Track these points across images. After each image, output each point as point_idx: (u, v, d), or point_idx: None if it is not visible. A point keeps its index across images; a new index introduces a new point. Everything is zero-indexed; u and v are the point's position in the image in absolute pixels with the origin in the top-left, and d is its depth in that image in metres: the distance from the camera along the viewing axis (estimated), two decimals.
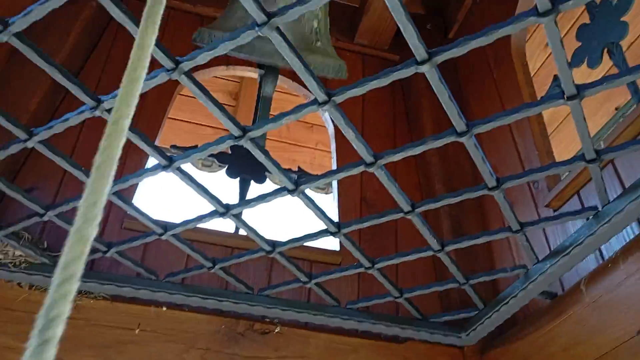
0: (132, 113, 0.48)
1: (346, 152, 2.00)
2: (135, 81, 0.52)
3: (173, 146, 2.32)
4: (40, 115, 1.70)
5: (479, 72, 2.22)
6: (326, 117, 2.49)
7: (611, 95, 3.02)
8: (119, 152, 0.42)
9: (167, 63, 0.80)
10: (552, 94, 0.85)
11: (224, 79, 3.51)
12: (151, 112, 2.03)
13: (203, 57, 0.79)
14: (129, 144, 0.79)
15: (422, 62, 0.76)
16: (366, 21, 2.58)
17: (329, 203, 2.46)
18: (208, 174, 2.55)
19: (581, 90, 0.82)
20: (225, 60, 2.35)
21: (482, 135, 1.88)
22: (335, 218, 2.06)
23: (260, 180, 2.11)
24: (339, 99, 0.86)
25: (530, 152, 1.71)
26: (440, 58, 0.75)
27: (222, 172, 2.18)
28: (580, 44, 1.43)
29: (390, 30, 2.60)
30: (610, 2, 1.31)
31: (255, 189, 2.14)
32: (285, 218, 3.30)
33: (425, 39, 1.98)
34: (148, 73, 0.85)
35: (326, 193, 3.58)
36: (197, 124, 3.46)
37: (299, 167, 2.25)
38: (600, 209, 1.07)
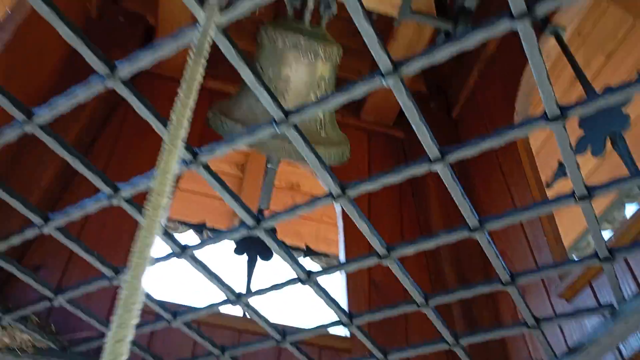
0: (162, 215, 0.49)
1: (354, 233, 2.01)
2: (165, 182, 0.54)
3: (182, 222, 2.34)
4: (52, 194, 1.71)
5: (484, 154, 2.26)
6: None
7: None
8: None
9: (186, 155, 0.81)
10: (563, 196, 0.86)
11: None
12: None
13: (221, 151, 0.81)
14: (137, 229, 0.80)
15: (435, 161, 0.77)
16: (371, 100, 2.65)
17: (337, 279, 2.44)
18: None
19: (592, 191, 0.82)
20: None
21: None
22: (344, 297, 2.04)
23: (268, 257, 2.10)
24: (352, 193, 0.87)
25: (539, 236, 1.70)
26: (452, 157, 0.77)
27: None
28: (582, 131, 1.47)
29: (394, 107, 2.67)
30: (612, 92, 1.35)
31: (261, 265, 2.13)
32: (294, 296, 3.27)
33: (428, 117, 2.01)
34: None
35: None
36: (206, 195, 3.48)
37: (306, 246, 2.25)
38: (616, 306, 1.05)
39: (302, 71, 1.44)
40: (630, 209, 3.46)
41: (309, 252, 2.24)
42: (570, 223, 3.53)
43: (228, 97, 1.80)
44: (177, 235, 2.94)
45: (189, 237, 2.75)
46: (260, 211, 1.78)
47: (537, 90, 1.95)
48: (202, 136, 2.08)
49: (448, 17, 1.53)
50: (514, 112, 2.16)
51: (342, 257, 2.08)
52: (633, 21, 2.62)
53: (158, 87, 2.19)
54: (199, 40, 0.55)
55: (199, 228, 2.08)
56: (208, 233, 2.06)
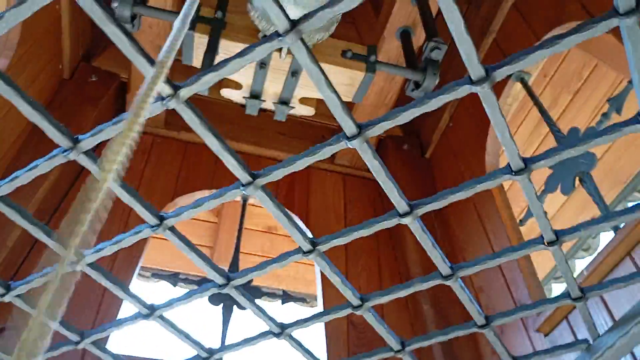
0: None
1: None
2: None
3: (154, 274, 2.30)
4: (16, 255, 1.68)
5: None
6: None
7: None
8: None
9: (152, 220, 0.80)
10: (533, 240, 0.87)
11: None
12: (127, 252, 2.02)
13: (188, 214, 0.80)
14: (104, 290, 0.78)
15: (405, 215, 0.77)
16: None
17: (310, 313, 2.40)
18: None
19: (560, 235, 0.84)
20: (208, 183, 2.39)
21: (467, 258, 1.89)
22: (323, 337, 2.02)
23: (244, 307, 2.07)
24: (323, 247, 0.87)
25: (515, 271, 1.72)
26: (421, 211, 0.77)
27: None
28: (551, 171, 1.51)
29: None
30: (577, 132, 1.39)
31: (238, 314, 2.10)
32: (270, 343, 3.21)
33: (402, 158, 2.03)
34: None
35: (311, 306, 3.50)
36: None
37: (284, 292, 2.23)
38: (591, 342, 1.06)
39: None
40: (605, 237, 3.53)
41: (286, 297, 2.21)
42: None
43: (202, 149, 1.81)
44: (150, 285, 2.88)
45: (162, 287, 2.71)
46: (233, 264, 1.76)
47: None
48: (175, 192, 2.08)
49: (416, 68, 1.57)
50: (485, 152, 2.20)
51: (320, 301, 2.06)
52: (596, 61, 2.72)
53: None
54: (142, 96, 0.55)
55: (173, 278, 2.04)
56: (181, 284, 2.03)
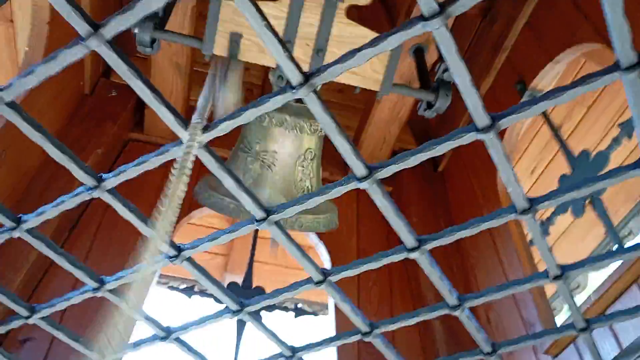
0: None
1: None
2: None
3: (170, 287, 2.33)
4: (31, 280, 1.73)
5: (468, 207, 2.30)
6: (322, 250, 2.52)
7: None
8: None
9: (170, 251, 0.84)
10: (539, 274, 0.89)
11: None
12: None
13: (203, 247, 0.83)
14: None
15: (412, 250, 0.80)
16: None
17: (327, 330, 2.43)
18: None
19: (565, 270, 0.85)
20: None
21: (478, 275, 1.90)
22: (334, 351, 2.04)
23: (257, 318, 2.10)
24: (334, 278, 0.90)
25: (525, 293, 1.73)
26: (429, 246, 0.80)
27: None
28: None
29: None
30: (588, 156, 1.40)
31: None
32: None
33: (415, 172, 2.05)
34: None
35: (324, 314, 3.51)
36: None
37: (295, 305, 2.25)
38: None
39: (289, 145, 1.48)
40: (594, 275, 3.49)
41: (299, 312, 2.24)
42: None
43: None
44: (165, 291, 2.92)
45: (177, 298, 2.75)
46: (247, 279, 1.79)
47: (519, 147, 1.99)
48: (190, 205, 2.12)
49: (429, 88, 1.59)
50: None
51: (332, 318, 2.09)
52: None
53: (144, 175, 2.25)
54: (182, 159, 0.58)
55: (188, 291, 2.08)
56: (196, 296, 2.06)
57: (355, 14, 2.64)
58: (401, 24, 0.51)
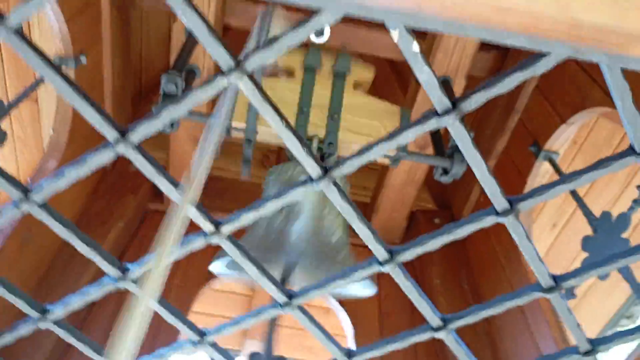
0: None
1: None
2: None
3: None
4: None
5: (490, 267, 2.27)
6: (342, 316, 2.49)
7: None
8: None
9: (194, 337, 0.83)
10: (568, 349, 0.87)
11: None
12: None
13: (228, 331, 0.83)
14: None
15: (438, 329, 0.79)
16: (377, 220, 2.69)
17: None
18: None
19: (595, 344, 0.84)
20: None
21: (504, 340, 1.85)
22: None
23: None
24: (358, 359, 0.88)
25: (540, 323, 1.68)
26: (454, 326, 0.79)
27: None
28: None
29: (400, 225, 2.71)
30: (610, 217, 1.39)
31: None
32: None
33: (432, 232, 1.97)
34: None
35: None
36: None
37: None
38: None
39: (313, 197, 1.50)
40: None
41: None
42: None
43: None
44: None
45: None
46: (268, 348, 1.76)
47: (538, 206, 1.97)
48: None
49: (444, 154, 1.61)
50: None
51: None
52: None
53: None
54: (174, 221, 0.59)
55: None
56: None
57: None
58: (416, 119, 0.53)
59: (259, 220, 1.75)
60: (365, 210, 2.84)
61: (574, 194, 1.69)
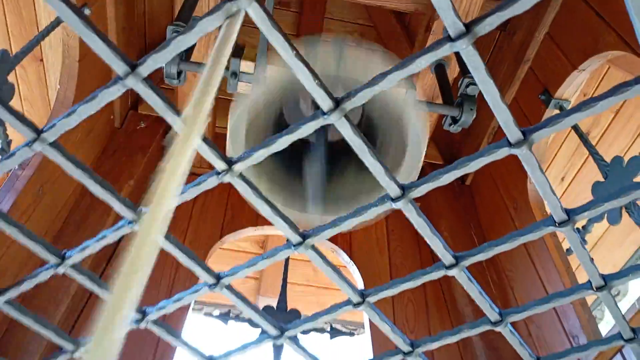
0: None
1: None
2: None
3: (206, 313, 2.35)
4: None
5: (499, 218, 2.28)
6: (353, 269, 2.52)
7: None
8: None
9: (210, 279, 0.85)
10: (581, 285, 0.87)
11: None
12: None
13: (242, 273, 0.84)
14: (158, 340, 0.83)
15: (450, 267, 0.80)
16: None
17: (363, 345, 2.41)
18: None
19: (608, 280, 0.84)
20: (253, 221, 2.44)
21: (515, 288, 1.87)
22: None
23: (295, 341, 2.10)
24: (372, 299, 0.90)
25: (566, 305, 1.70)
26: (466, 262, 0.79)
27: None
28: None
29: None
30: (621, 162, 1.38)
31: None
32: None
33: (443, 188, 2.02)
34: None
35: (359, 333, 3.48)
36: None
37: (331, 327, 2.24)
38: None
39: None
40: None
41: (335, 333, 2.23)
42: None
43: None
44: (199, 317, 2.94)
45: (213, 323, 2.76)
46: (282, 300, 1.79)
47: (548, 155, 1.97)
48: (222, 230, 2.14)
49: (452, 103, 1.59)
50: (527, 177, 2.19)
51: (368, 338, 2.07)
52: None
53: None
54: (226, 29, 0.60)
55: (224, 317, 2.09)
56: (232, 321, 2.07)
57: (374, 34, 2.66)
58: (428, 45, 0.52)
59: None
60: None
61: (583, 138, 1.67)
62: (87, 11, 1.73)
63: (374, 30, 3.06)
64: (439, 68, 1.93)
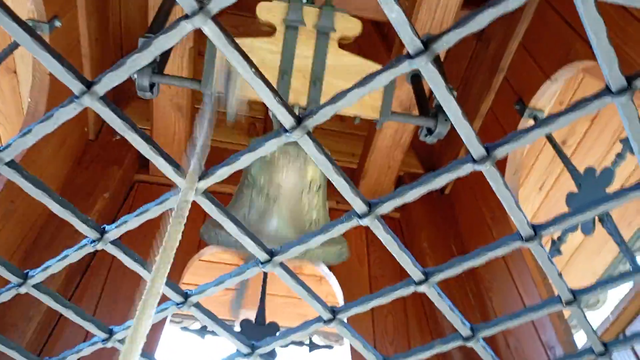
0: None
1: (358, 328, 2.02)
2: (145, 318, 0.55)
3: (183, 327, 2.32)
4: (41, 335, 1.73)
5: (478, 230, 2.28)
6: (333, 281, 2.50)
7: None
8: None
9: (177, 298, 0.83)
10: (551, 299, 0.87)
11: None
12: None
13: (211, 291, 0.83)
14: None
15: (420, 283, 0.79)
16: (364, 185, 2.69)
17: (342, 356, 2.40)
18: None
19: (578, 294, 0.84)
20: None
21: (494, 298, 1.87)
22: None
23: (272, 356, 2.08)
24: (343, 316, 0.89)
25: (543, 317, 1.71)
26: (436, 278, 0.79)
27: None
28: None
29: (388, 190, 2.72)
30: (594, 173, 1.39)
31: None
32: None
33: (422, 198, 2.02)
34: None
35: (340, 344, 3.47)
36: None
37: (310, 340, 2.23)
38: None
39: (293, 177, 1.49)
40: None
41: (313, 346, 2.21)
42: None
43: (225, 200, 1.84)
44: (177, 330, 2.89)
45: (190, 339, 2.73)
46: (260, 315, 1.78)
47: (526, 162, 1.98)
48: (200, 244, 2.12)
49: (428, 114, 1.59)
50: None
51: (348, 351, 2.06)
52: None
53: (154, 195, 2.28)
54: (179, 207, 0.58)
55: (201, 331, 2.07)
56: (209, 335, 2.05)
57: (352, 42, 2.67)
58: (388, 62, 0.51)
59: (241, 199, 1.72)
60: (353, 176, 2.84)
61: (557, 149, 1.68)
62: (57, 23, 1.71)
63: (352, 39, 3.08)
64: (415, 78, 1.93)
